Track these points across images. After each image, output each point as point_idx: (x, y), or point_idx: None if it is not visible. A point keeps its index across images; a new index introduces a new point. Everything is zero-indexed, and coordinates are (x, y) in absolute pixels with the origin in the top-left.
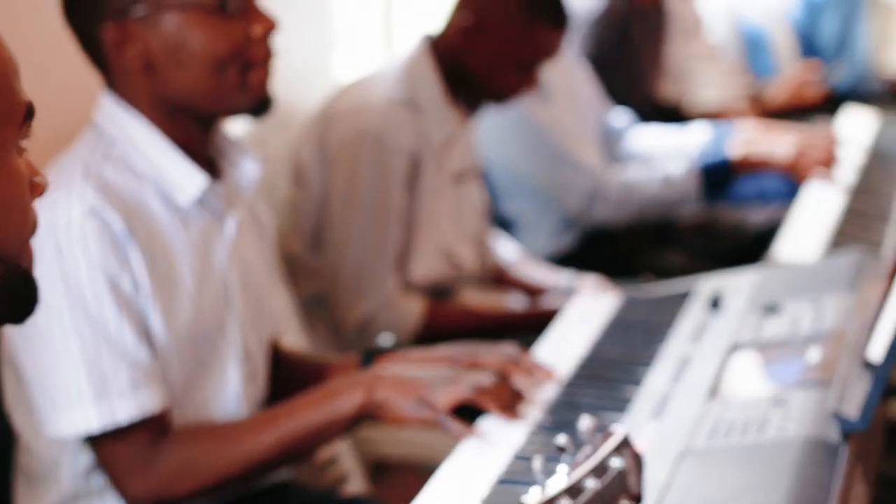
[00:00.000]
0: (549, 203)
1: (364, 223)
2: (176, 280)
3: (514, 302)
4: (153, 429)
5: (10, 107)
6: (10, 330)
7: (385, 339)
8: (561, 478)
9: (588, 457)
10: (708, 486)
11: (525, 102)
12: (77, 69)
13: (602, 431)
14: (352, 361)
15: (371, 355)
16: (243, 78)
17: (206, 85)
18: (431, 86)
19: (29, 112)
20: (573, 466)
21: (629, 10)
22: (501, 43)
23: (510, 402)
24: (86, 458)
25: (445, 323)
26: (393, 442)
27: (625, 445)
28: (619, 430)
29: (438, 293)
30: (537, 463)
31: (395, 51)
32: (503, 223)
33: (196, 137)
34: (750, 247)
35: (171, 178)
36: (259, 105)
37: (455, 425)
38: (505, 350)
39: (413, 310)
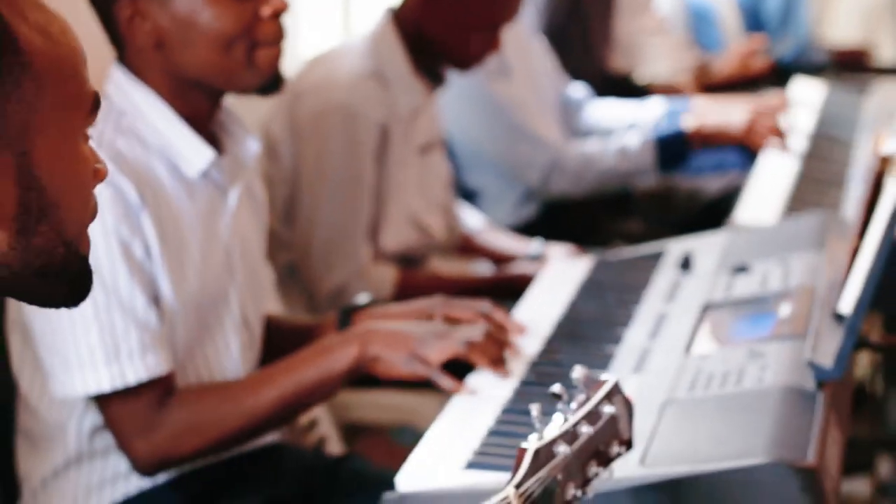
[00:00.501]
0: (510, 175)
1: (335, 194)
2: (183, 248)
3: (481, 269)
4: (159, 390)
5: (79, 93)
6: None
7: (361, 298)
8: (557, 424)
9: (581, 405)
10: (692, 434)
11: (485, 78)
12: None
13: (593, 381)
14: (330, 320)
15: (348, 314)
16: (251, 57)
17: (214, 62)
18: (397, 58)
19: (96, 101)
20: (567, 414)
21: None
22: (458, 7)
23: (499, 357)
24: (91, 419)
25: (417, 290)
26: (366, 405)
27: (615, 393)
28: (609, 379)
29: (408, 262)
30: (535, 410)
31: (354, 26)
32: (467, 195)
33: (203, 113)
34: (706, 214)
35: (179, 150)
36: (268, 83)
37: (447, 380)
38: (478, 305)
39: (385, 278)
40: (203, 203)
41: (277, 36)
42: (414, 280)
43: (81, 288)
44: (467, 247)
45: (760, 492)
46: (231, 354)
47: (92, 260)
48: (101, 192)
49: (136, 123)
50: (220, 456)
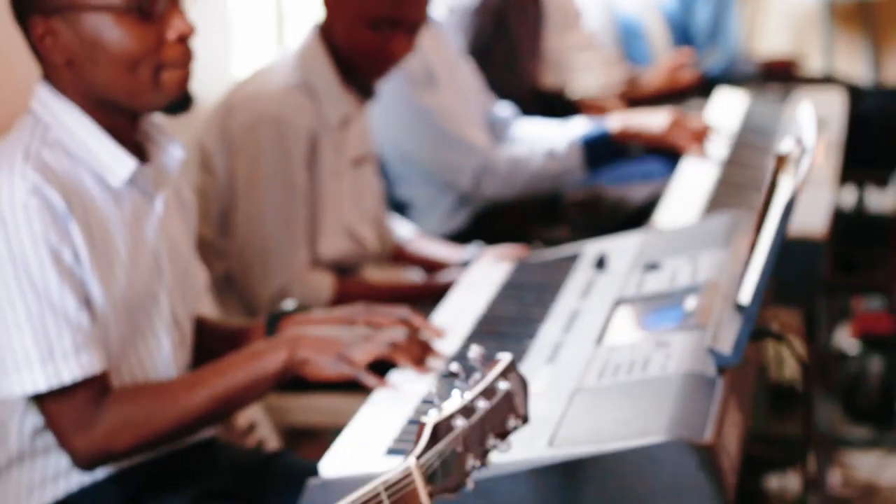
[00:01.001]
0: (441, 184)
1: (269, 202)
2: (111, 252)
3: (413, 277)
4: (95, 388)
5: None
6: None
7: (287, 304)
8: (455, 400)
9: (477, 382)
10: (598, 418)
11: (412, 88)
12: (19, 58)
13: (489, 360)
14: (259, 325)
15: (276, 319)
16: (156, 78)
17: (119, 82)
18: (324, 71)
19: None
20: (463, 393)
21: (506, 1)
22: (350, 6)
23: (420, 356)
24: (32, 420)
25: (352, 297)
26: (304, 409)
27: (510, 370)
28: (504, 357)
29: (342, 270)
30: (433, 388)
31: (287, 44)
32: (398, 206)
33: (123, 125)
34: (631, 220)
35: (102, 161)
36: (175, 104)
37: (371, 378)
38: (397, 311)
39: (324, 284)
40: (129, 209)
41: (184, 58)
42: (350, 287)
43: None
44: (400, 256)
45: (660, 469)
46: (163, 353)
47: (23, 267)
48: (30, 201)
49: (60, 137)
50: (158, 451)
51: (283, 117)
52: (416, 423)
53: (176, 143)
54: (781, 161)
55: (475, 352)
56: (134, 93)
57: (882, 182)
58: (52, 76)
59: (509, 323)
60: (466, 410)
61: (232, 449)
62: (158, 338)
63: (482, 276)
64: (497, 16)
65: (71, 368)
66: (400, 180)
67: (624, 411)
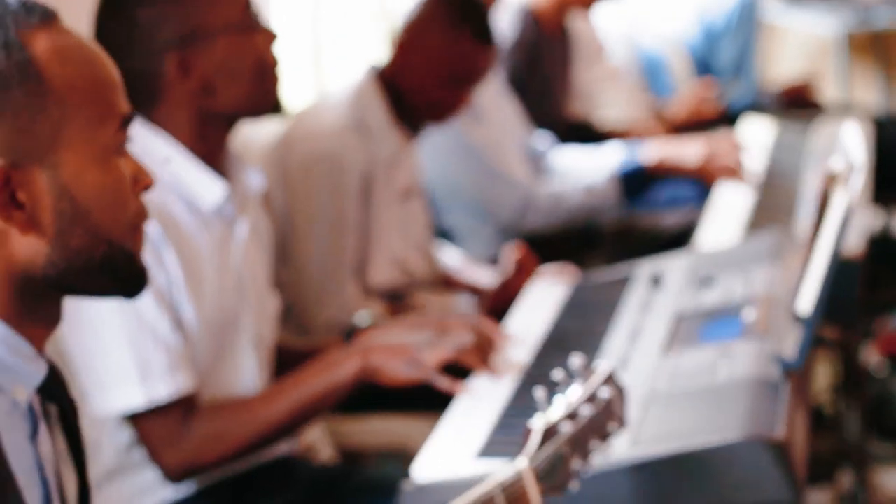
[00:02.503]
0: (485, 215)
1: (324, 237)
2: (202, 275)
3: (464, 302)
4: (186, 406)
5: (108, 113)
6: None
7: (361, 319)
8: (560, 406)
9: (580, 390)
10: (675, 420)
11: (460, 123)
12: None
13: (591, 369)
14: (335, 341)
15: (350, 334)
16: (274, 80)
17: (254, 93)
18: (377, 110)
19: (126, 119)
20: (568, 399)
21: (538, 37)
22: (430, 59)
23: (488, 359)
24: (125, 435)
25: None
26: (360, 432)
27: (610, 379)
28: (604, 366)
29: (394, 298)
30: (539, 393)
31: (328, 81)
32: (444, 234)
33: (218, 151)
34: (665, 247)
35: (193, 188)
36: (279, 102)
37: (445, 381)
38: (468, 316)
39: (374, 311)
40: (216, 234)
41: (278, 59)
42: (401, 313)
43: (132, 281)
44: (449, 282)
45: (738, 465)
46: (246, 372)
47: None
48: None
49: (153, 169)
50: (240, 466)
51: (339, 156)
52: (501, 430)
53: (255, 170)
54: (832, 178)
55: (577, 361)
56: (264, 98)
57: None
58: (165, 112)
59: (575, 337)
60: (572, 416)
61: (308, 465)
62: (243, 357)
63: (542, 296)
64: (531, 52)
65: (167, 386)
66: (444, 209)
67: (699, 413)
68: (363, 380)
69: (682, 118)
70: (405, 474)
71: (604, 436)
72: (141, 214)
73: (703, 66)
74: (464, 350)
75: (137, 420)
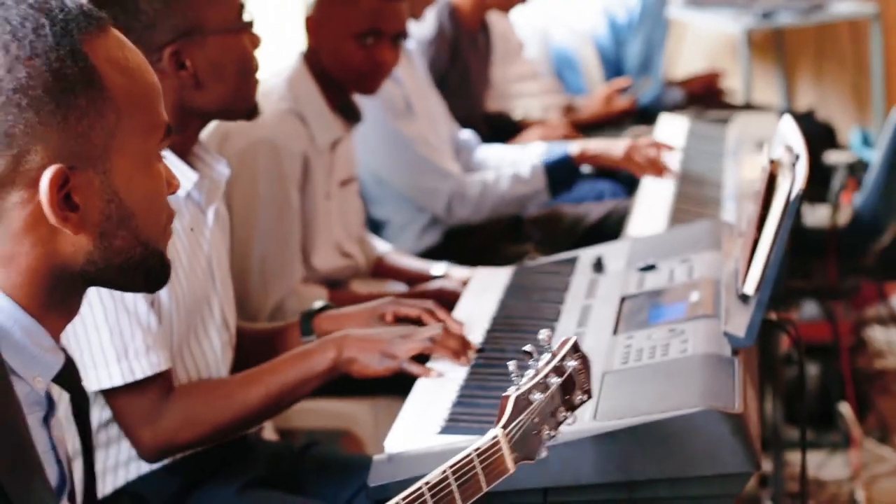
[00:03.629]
0: (415, 206)
1: (266, 221)
2: (175, 259)
3: (396, 289)
4: (161, 385)
5: (155, 122)
6: None
7: (317, 303)
8: (529, 377)
9: (548, 361)
10: (632, 394)
11: (392, 117)
12: None
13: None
14: (292, 325)
15: (309, 317)
16: (255, 84)
17: (237, 93)
18: (313, 96)
19: (168, 128)
20: (537, 370)
21: (458, 32)
22: (337, 26)
23: (458, 349)
24: (98, 414)
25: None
26: (306, 413)
27: (575, 350)
28: (570, 339)
29: (332, 285)
30: (511, 366)
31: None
32: (373, 226)
33: (189, 143)
34: (588, 236)
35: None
36: (256, 105)
37: (416, 367)
38: (422, 303)
39: (317, 296)
40: (187, 219)
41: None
42: (341, 298)
43: (160, 278)
44: (379, 270)
45: (697, 437)
46: (214, 353)
47: None
48: None
49: None
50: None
51: (277, 140)
52: (459, 406)
53: (222, 161)
54: (775, 165)
55: (544, 334)
56: (246, 99)
57: (820, 199)
58: None
59: (523, 319)
60: (541, 386)
61: (266, 443)
62: (211, 338)
63: (486, 281)
64: (451, 45)
65: (142, 366)
66: (375, 201)
67: (656, 388)
68: (337, 370)
69: (592, 113)
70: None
71: (571, 406)
72: (171, 216)
73: (612, 62)
74: (434, 342)
75: (114, 398)
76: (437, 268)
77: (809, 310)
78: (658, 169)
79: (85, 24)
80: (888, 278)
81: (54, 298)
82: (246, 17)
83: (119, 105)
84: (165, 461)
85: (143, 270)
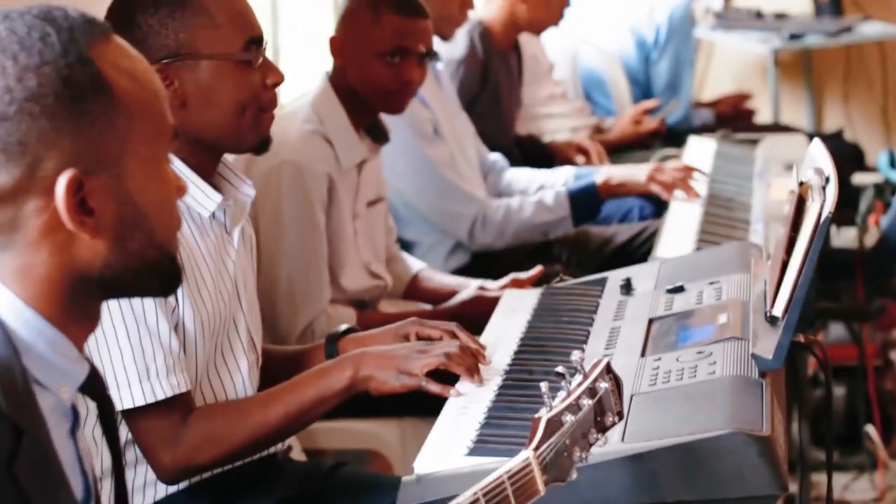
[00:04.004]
0: (440, 230)
1: (293, 243)
2: (200, 281)
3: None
4: (181, 407)
5: (163, 126)
6: None
7: (342, 326)
8: (562, 399)
9: (580, 383)
10: (660, 417)
11: (420, 140)
12: None
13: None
14: (318, 347)
15: (334, 339)
16: (257, 120)
17: (228, 124)
18: (338, 118)
19: (175, 132)
20: (569, 392)
21: (490, 52)
22: (363, 45)
23: (474, 366)
24: (127, 432)
25: (373, 327)
26: (332, 434)
27: (607, 372)
28: (602, 361)
29: (361, 306)
30: (543, 387)
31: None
32: (402, 247)
33: (209, 165)
34: (616, 257)
35: (191, 196)
36: (263, 142)
37: (435, 385)
38: (445, 324)
39: (346, 317)
40: (212, 241)
41: (275, 102)
42: (370, 319)
43: (173, 281)
44: (414, 289)
45: (725, 459)
46: (241, 373)
47: None
48: None
49: None
50: (231, 465)
51: (301, 161)
52: (487, 427)
53: (247, 182)
54: (804, 188)
55: (576, 355)
56: (238, 134)
57: (848, 221)
58: None
59: (551, 341)
60: (573, 408)
61: (296, 463)
62: (238, 359)
63: (514, 303)
64: (482, 66)
65: (163, 387)
66: (403, 222)
67: (684, 410)
68: (355, 388)
69: (621, 135)
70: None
71: (602, 428)
72: (179, 220)
73: (640, 82)
74: (449, 357)
75: (134, 420)
76: (472, 285)
77: (836, 331)
78: (685, 186)
79: (90, 32)
80: None
81: (75, 307)
82: (257, 53)
83: (129, 110)
84: (193, 480)
85: (158, 274)
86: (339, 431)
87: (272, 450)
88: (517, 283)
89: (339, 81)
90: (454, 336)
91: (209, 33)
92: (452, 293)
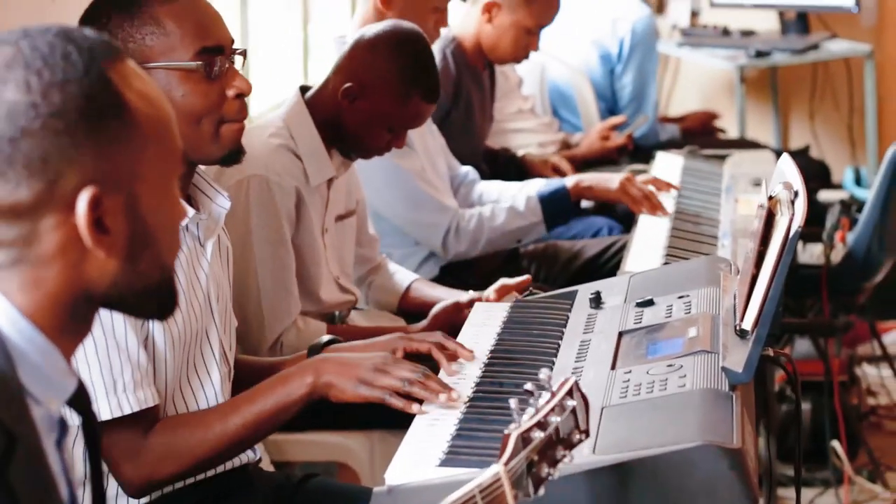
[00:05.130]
0: (412, 240)
1: (261, 256)
2: None
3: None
4: (146, 422)
5: (174, 147)
6: None
7: (324, 337)
8: (531, 415)
9: (549, 400)
10: (631, 429)
11: (392, 153)
12: None
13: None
14: (296, 359)
15: (315, 351)
16: (217, 131)
17: (184, 135)
18: (309, 136)
19: (184, 155)
20: (538, 409)
21: (463, 67)
22: (378, 110)
23: (437, 391)
24: (82, 449)
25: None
26: (301, 446)
27: (575, 389)
28: (570, 378)
29: (331, 319)
30: (513, 403)
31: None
32: None
33: (181, 178)
34: (584, 271)
35: None
36: (230, 155)
37: (398, 401)
38: (432, 336)
39: (318, 331)
40: (184, 254)
41: (241, 113)
42: (340, 332)
43: (171, 304)
44: (407, 301)
45: (696, 471)
46: (213, 386)
47: None
48: None
49: None
50: (198, 477)
51: (270, 175)
52: (458, 439)
53: (223, 193)
54: (773, 202)
55: (544, 374)
56: (196, 145)
57: (815, 238)
58: None
59: (522, 353)
60: (542, 424)
61: (265, 473)
62: (210, 372)
63: (484, 315)
64: (455, 82)
65: (130, 401)
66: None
67: (654, 422)
68: (316, 395)
69: (588, 151)
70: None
71: (569, 445)
72: (180, 242)
73: (606, 97)
74: (413, 385)
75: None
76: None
77: (802, 347)
78: (653, 204)
79: (107, 52)
80: (880, 317)
81: (72, 321)
82: (212, 62)
83: (144, 131)
84: (166, 490)
85: (157, 296)
86: (307, 443)
87: (244, 460)
88: (505, 289)
89: (321, 107)
90: (442, 347)
91: (159, 41)
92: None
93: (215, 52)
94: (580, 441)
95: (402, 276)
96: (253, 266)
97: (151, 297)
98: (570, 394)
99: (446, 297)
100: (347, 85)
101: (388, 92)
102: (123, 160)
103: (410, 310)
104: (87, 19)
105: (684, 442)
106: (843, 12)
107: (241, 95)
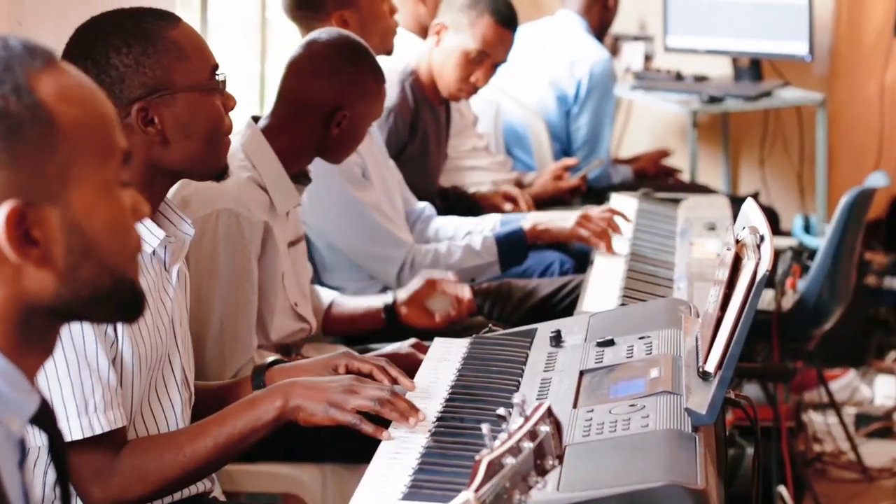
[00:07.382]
0: (369, 274)
1: (226, 290)
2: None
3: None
4: (115, 442)
5: (111, 149)
6: None
7: (269, 357)
8: (503, 441)
9: (521, 426)
10: (595, 467)
11: (348, 184)
12: None
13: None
14: (245, 381)
15: (261, 372)
16: (224, 146)
17: (205, 152)
18: (271, 166)
19: (127, 154)
20: (510, 434)
21: (420, 101)
22: (359, 120)
23: (405, 411)
24: (53, 473)
25: None
26: (253, 477)
27: (548, 415)
28: (543, 404)
29: (286, 351)
30: (485, 428)
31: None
32: None
33: (156, 201)
34: (538, 310)
35: None
36: (226, 168)
37: (368, 426)
38: (376, 360)
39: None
40: (152, 277)
41: (232, 127)
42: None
43: (134, 307)
44: (330, 318)
45: None
46: (174, 411)
47: (65, 327)
48: None
49: None
50: (164, 501)
51: (239, 210)
52: (421, 473)
53: (187, 221)
54: (741, 245)
55: (518, 398)
56: (213, 161)
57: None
58: None
59: (483, 389)
60: (514, 450)
61: (218, 502)
62: (171, 396)
63: (443, 351)
64: (412, 116)
65: (101, 422)
66: (328, 268)
67: (619, 461)
68: (284, 418)
69: (541, 191)
70: None
71: (542, 471)
72: (139, 243)
73: (561, 138)
74: (381, 402)
75: (69, 452)
76: (385, 300)
77: (748, 391)
78: (607, 242)
79: (29, 60)
80: (827, 364)
81: (28, 338)
82: (219, 78)
83: (70, 137)
84: None
85: (115, 301)
86: (259, 474)
87: (200, 489)
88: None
89: (276, 133)
90: (384, 371)
91: (181, 66)
92: (366, 315)
93: (217, 69)
94: (553, 467)
95: (323, 296)
96: (216, 300)
97: (107, 304)
98: (543, 419)
99: (365, 306)
100: (324, 106)
101: (364, 100)
102: (50, 169)
103: (335, 328)
104: (107, 51)
105: (650, 481)
106: (797, 60)
107: (232, 109)
